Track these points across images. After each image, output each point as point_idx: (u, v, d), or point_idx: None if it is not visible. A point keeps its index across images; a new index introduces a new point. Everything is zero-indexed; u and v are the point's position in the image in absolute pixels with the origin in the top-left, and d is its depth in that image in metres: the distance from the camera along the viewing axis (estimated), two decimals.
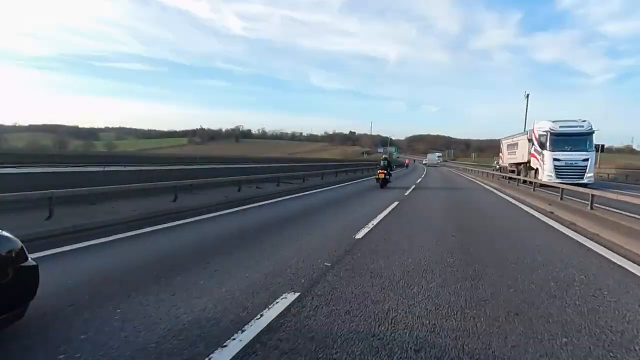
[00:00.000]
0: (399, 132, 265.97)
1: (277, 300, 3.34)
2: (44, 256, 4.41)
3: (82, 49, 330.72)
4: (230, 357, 2.41)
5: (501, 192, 17.38)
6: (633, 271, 4.69)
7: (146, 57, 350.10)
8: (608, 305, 3.50)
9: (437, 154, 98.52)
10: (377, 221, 7.78)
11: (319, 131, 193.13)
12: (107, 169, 11.68)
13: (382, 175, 17.91)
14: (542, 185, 16.60)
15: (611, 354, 2.60)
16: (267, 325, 2.86)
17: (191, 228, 6.76)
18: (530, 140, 22.21)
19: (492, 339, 2.76)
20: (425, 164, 73.36)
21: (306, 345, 2.58)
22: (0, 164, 15.65)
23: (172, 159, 29.16)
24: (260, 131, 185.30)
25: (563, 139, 19.48)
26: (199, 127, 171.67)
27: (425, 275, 4.23)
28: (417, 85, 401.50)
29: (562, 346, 2.69)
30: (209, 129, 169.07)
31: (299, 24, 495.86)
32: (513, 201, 13.47)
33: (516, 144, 26.26)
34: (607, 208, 9.90)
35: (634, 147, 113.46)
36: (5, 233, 2.62)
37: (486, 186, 21.48)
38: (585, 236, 6.92)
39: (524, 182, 19.18)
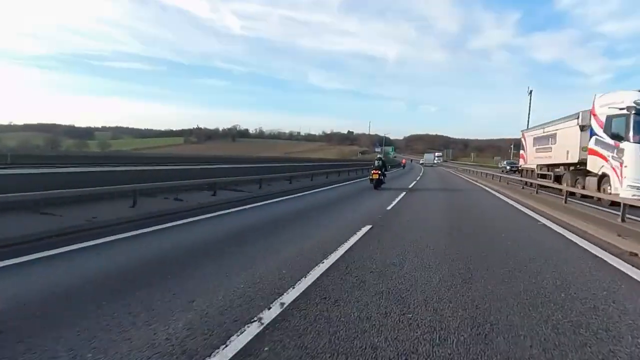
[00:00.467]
0: (398, 131, 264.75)
1: None
2: None
3: (81, 48, 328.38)
4: None
5: (514, 200, 13.38)
6: None
7: (145, 56, 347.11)
8: None
9: (437, 153, 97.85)
10: (351, 244, 5.89)
11: (317, 131, 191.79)
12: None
13: (376, 176, 17.19)
14: (573, 194, 11.56)
15: None
16: None
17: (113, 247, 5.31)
18: (585, 127, 14.37)
19: None
20: (422, 163, 74.16)
21: None
22: None
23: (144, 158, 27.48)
24: (258, 130, 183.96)
25: None
26: (196, 126, 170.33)
27: None
28: (416, 85, 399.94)
29: None
30: (205, 129, 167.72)
31: (298, 23, 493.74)
32: (541, 219, 9.12)
33: (552, 136, 17.89)
34: None
35: None
36: None
37: (488, 189, 19.22)
38: None
39: (582, 196, 12.20)
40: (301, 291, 3.61)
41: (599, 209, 10.25)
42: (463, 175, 35.69)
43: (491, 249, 5.77)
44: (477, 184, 23.35)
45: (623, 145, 11.71)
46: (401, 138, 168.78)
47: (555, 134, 17.71)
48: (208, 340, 2.62)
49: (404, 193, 15.16)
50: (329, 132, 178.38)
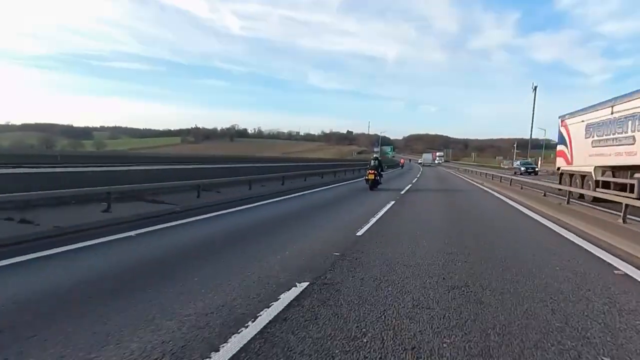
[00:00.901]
0: (397, 131, 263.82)
1: None
2: None
3: (81, 48, 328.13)
4: None
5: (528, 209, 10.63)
6: None
7: (145, 56, 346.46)
8: None
9: (438, 153, 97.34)
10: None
11: (317, 131, 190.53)
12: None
13: (371, 177, 16.38)
14: (596, 200, 10.15)
15: None
16: None
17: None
18: None
19: None
20: (421, 163, 74.15)
21: None
22: None
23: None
24: (256, 130, 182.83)
25: None
26: (194, 126, 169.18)
27: None
28: (416, 85, 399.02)
29: None
30: (203, 128, 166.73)
31: (298, 23, 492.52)
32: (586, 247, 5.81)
33: (627, 121, 10.68)
34: None
35: None
36: None
37: (505, 198, 14.74)
38: None
39: None
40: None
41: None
42: (464, 176, 32.60)
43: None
44: (483, 187, 19.63)
45: None
46: (400, 138, 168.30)
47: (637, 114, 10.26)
48: None
49: (395, 199, 14.16)
50: (328, 132, 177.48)
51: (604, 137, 12.11)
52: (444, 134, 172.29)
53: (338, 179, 22.26)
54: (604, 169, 12.24)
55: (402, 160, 61.07)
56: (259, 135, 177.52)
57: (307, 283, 3.79)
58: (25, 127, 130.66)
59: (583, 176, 13.71)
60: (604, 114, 12.22)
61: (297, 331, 2.76)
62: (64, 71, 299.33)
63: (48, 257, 4.53)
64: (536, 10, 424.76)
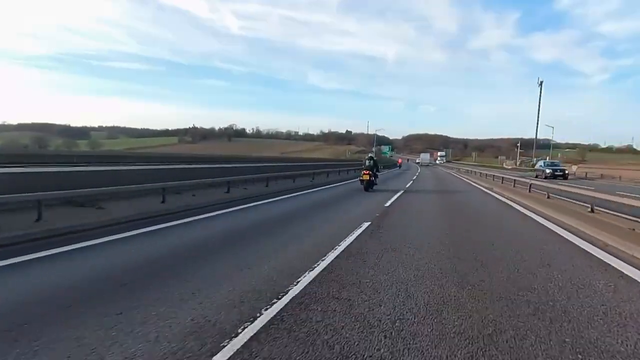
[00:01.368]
0: (397, 131, 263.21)
1: None
2: None
3: (81, 48, 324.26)
4: None
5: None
6: None
7: (144, 56, 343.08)
8: None
9: (439, 153, 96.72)
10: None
11: (316, 131, 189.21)
12: None
13: (366, 177, 15.54)
14: None
15: None
16: None
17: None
18: None
19: None
20: (419, 163, 74.08)
21: None
22: None
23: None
24: (255, 130, 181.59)
25: None
26: (192, 126, 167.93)
27: None
28: (415, 84, 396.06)
29: None
30: (201, 128, 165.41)
31: (297, 23, 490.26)
32: None
33: None
34: None
35: (635, 146, 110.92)
36: None
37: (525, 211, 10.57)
38: None
39: None
40: None
41: None
42: (465, 177, 29.46)
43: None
44: (494, 194, 15.04)
45: None
46: (400, 138, 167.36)
47: None
48: None
49: (392, 200, 12.91)
50: (326, 131, 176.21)
51: None
52: (444, 134, 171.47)
53: (331, 179, 21.17)
54: None
55: (399, 160, 60.08)
56: (258, 135, 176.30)
57: None
58: (22, 127, 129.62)
59: None
60: None
61: None
62: (63, 71, 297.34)
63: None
64: (536, 10, 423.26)
